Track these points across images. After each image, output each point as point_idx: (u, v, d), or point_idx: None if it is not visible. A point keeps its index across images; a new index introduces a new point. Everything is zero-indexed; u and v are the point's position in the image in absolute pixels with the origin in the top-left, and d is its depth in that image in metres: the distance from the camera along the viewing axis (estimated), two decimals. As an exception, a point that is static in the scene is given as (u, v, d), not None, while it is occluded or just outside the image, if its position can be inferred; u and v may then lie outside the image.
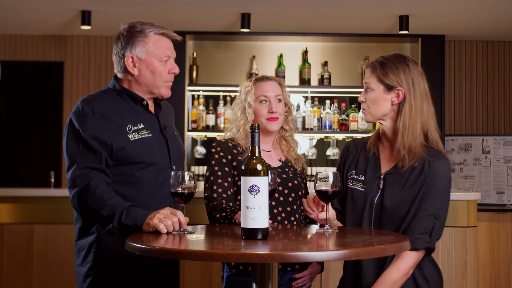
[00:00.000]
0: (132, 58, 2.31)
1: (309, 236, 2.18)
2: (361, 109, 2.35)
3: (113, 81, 2.40)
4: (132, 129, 2.28)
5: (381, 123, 2.34)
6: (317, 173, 2.11)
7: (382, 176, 2.31)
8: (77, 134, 2.24)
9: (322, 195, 2.10)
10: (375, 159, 2.35)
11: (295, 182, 2.62)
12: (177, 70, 2.37)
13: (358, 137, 2.56)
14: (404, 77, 2.26)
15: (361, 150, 2.40)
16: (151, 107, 2.40)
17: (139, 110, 2.34)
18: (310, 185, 4.66)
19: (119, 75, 2.38)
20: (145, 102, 2.36)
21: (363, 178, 2.34)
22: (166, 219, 2.04)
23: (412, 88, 2.26)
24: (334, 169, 2.12)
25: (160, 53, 2.32)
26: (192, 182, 2.10)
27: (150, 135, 2.32)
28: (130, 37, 2.32)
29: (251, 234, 1.88)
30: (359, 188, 2.33)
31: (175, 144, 2.43)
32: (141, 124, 2.31)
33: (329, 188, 2.08)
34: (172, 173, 2.10)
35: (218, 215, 2.46)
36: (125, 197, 2.22)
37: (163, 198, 2.32)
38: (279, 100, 2.64)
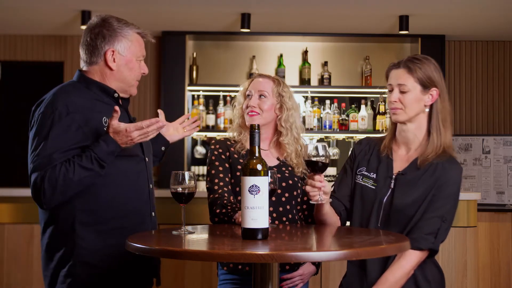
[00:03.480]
0: (113, 52, 2.30)
1: (309, 236, 2.19)
2: (393, 109, 2.32)
3: (78, 74, 2.35)
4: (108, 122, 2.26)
5: (406, 124, 2.33)
6: (307, 147, 2.12)
7: (394, 176, 2.31)
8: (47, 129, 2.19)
9: (313, 166, 2.12)
10: (387, 160, 2.36)
11: (290, 182, 2.59)
12: (147, 71, 2.42)
13: (370, 136, 2.57)
14: (440, 78, 2.31)
15: (374, 149, 2.41)
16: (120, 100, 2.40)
17: (110, 103, 2.31)
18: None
19: (87, 68, 2.33)
20: (116, 95, 2.34)
21: (374, 176, 2.34)
22: (144, 135, 2.16)
23: (445, 90, 2.32)
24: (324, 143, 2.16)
25: (139, 52, 2.36)
26: (193, 182, 2.10)
27: None
28: (111, 31, 2.31)
29: (251, 234, 1.88)
30: (369, 186, 2.34)
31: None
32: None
33: (319, 159, 2.11)
34: (172, 173, 2.10)
35: (218, 210, 2.47)
36: (105, 189, 2.23)
37: (141, 189, 2.34)
38: (263, 96, 2.61)
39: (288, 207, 2.58)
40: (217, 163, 2.59)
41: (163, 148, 2.65)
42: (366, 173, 2.37)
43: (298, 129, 2.65)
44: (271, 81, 2.65)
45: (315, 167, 2.13)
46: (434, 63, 2.33)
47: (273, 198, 2.49)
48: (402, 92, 2.30)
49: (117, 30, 2.32)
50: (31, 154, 2.19)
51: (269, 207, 2.49)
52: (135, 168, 2.33)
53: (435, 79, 2.30)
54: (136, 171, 2.33)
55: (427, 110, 2.31)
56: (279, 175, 2.54)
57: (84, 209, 2.23)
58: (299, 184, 2.63)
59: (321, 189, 2.16)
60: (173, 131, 2.73)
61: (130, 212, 2.30)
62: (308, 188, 2.17)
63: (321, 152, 2.12)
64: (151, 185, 2.40)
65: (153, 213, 2.40)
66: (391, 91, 2.33)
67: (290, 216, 2.58)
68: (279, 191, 2.55)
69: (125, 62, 2.32)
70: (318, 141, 5.89)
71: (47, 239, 2.30)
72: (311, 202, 2.21)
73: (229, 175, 2.58)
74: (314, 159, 2.12)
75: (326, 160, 2.12)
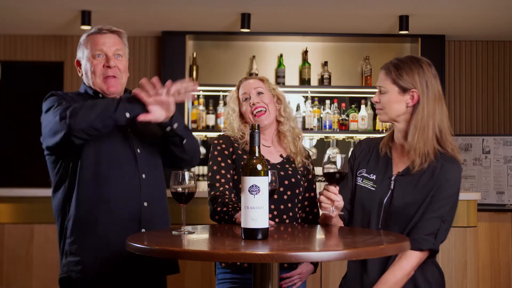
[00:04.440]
0: (77, 62, 2.47)
1: (309, 236, 2.19)
2: (376, 109, 2.37)
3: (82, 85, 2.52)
4: None
5: (395, 124, 2.34)
6: (325, 156, 2.15)
7: (393, 177, 2.31)
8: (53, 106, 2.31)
9: (330, 178, 2.15)
10: (387, 159, 2.36)
11: (293, 180, 2.60)
12: (112, 63, 2.38)
13: (370, 136, 2.57)
14: (419, 79, 2.26)
15: (373, 150, 2.40)
16: None
17: None
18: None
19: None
20: (100, 95, 2.41)
21: (374, 177, 2.34)
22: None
23: (426, 90, 2.26)
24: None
25: (92, 50, 2.40)
26: (193, 182, 2.10)
27: None
28: (78, 46, 2.48)
29: (251, 234, 1.88)
30: (369, 187, 2.34)
31: (139, 130, 2.43)
32: None
33: (337, 170, 2.14)
34: (172, 173, 2.10)
35: (219, 209, 2.46)
36: (95, 176, 2.29)
37: (126, 179, 2.35)
38: (261, 93, 2.65)
39: (289, 205, 2.58)
40: (219, 159, 2.58)
41: (168, 128, 2.33)
42: (366, 174, 2.37)
43: (294, 120, 2.74)
44: (259, 80, 2.71)
45: (332, 178, 2.16)
46: (420, 66, 2.28)
47: (275, 196, 2.51)
48: (381, 94, 2.31)
49: (79, 42, 2.47)
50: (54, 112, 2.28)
51: (270, 205, 2.52)
52: (121, 162, 2.35)
53: (413, 81, 2.26)
54: (122, 166, 2.35)
55: (410, 111, 2.30)
56: (282, 173, 2.57)
57: (68, 206, 2.32)
58: (302, 182, 2.64)
59: (334, 202, 2.18)
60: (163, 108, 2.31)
61: (114, 208, 2.32)
62: (322, 198, 2.19)
63: (339, 163, 2.14)
64: (143, 175, 2.39)
65: (145, 203, 2.37)
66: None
67: (291, 214, 2.59)
68: (281, 189, 2.56)
69: (83, 67, 2.43)
70: (318, 141, 5.90)
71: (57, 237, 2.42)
72: (321, 211, 2.22)
73: (231, 171, 2.58)
74: (331, 170, 2.14)
75: (343, 171, 2.14)
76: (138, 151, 2.39)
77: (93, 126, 2.16)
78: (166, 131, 2.33)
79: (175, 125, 2.31)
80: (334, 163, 2.13)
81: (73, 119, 2.15)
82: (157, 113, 2.21)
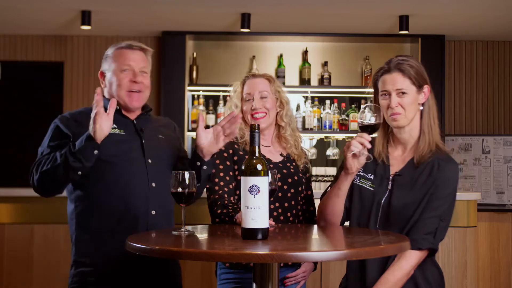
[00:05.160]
0: (101, 73, 2.51)
1: (309, 236, 2.19)
2: (393, 114, 2.28)
3: None
4: None
5: (403, 127, 2.32)
6: (361, 108, 2.26)
7: (391, 177, 2.31)
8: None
9: (364, 129, 2.22)
10: (383, 163, 2.35)
11: (295, 178, 2.62)
12: (138, 78, 2.44)
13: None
14: (426, 73, 2.31)
15: (370, 150, 2.39)
16: (129, 114, 2.48)
17: (117, 117, 2.41)
18: (315, 185, 4.65)
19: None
20: (117, 107, 2.41)
21: (372, 177, 2.34)
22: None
23: (431, 84, 2.32)
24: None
25: (120, 64, 2.45)
26: (193, 182, 2.11)
27: (123, 133, 2.42)
28: (103, 57, 2.53)
29: (251, 234, 1.88)
30: (367, 187, 2.34)
31: (153, 143, 2.47)
32: (114, 125, 2.38)
33: (372, 121, 2.23)
34: (173, 173, 2.11)
35: (219, 211, 2.47)
36: (105, 185, 2.34)
37: (139, 189, 2.37)
38: (265, 96, 2.63)
39: (293, 202, 2.60)
40: (217, 161, 2.57)
41: (198, 163, 2.39)
42: (363, 174, 2.36)
43: (294, 122, 2.76)
44: (266, 80, 2.69)
45: (365, 130, 2.23)
46: (418, 61, 2.34)
47: (280, 194, 2.53)
48: (400, 96, 2.28)
49: (105, 54, 2.51)
50: None
51: (275, 203, 2.53)
52: (130, 169, 2.37)
53: (425, 76, 2.31)
54: (130, 171, 2.37)
55: (421, 108, 2.31)
56: (284, 171, 2.58)
57: (80, 213, 2.39)
58: (304, 180, 2.66)
59: (365, 146, 2.20)
60: (212, 139, 2.38)
61: (123, 215, 2.35)
62: (354, 142, 2.22)
63: (373, 119, 2.23)
64: (153, 183, 2.40)
65: (153, 211, 2.40)
66: (386, 96, 2.31)
67: (294, 211, 2.60)
68: (285, 187, 2.57)
69: (109, 78, 2.47)
70: (318, 141, 5.90)
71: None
72: (349, 154, 2.24)
73: (231, 173, 2.58)
74: (366, 123, 2.23)
75: (377, 123, 2.23)
76: (150, 161, 2.42)
77: (60, 187, 2.38)
78: (196, 164, 2.38)
79: (205, 167, 2.38)
80: (368, 118, 2.24)
81: (41, 191, 2.41)
82: (212, 147, 2.36)
